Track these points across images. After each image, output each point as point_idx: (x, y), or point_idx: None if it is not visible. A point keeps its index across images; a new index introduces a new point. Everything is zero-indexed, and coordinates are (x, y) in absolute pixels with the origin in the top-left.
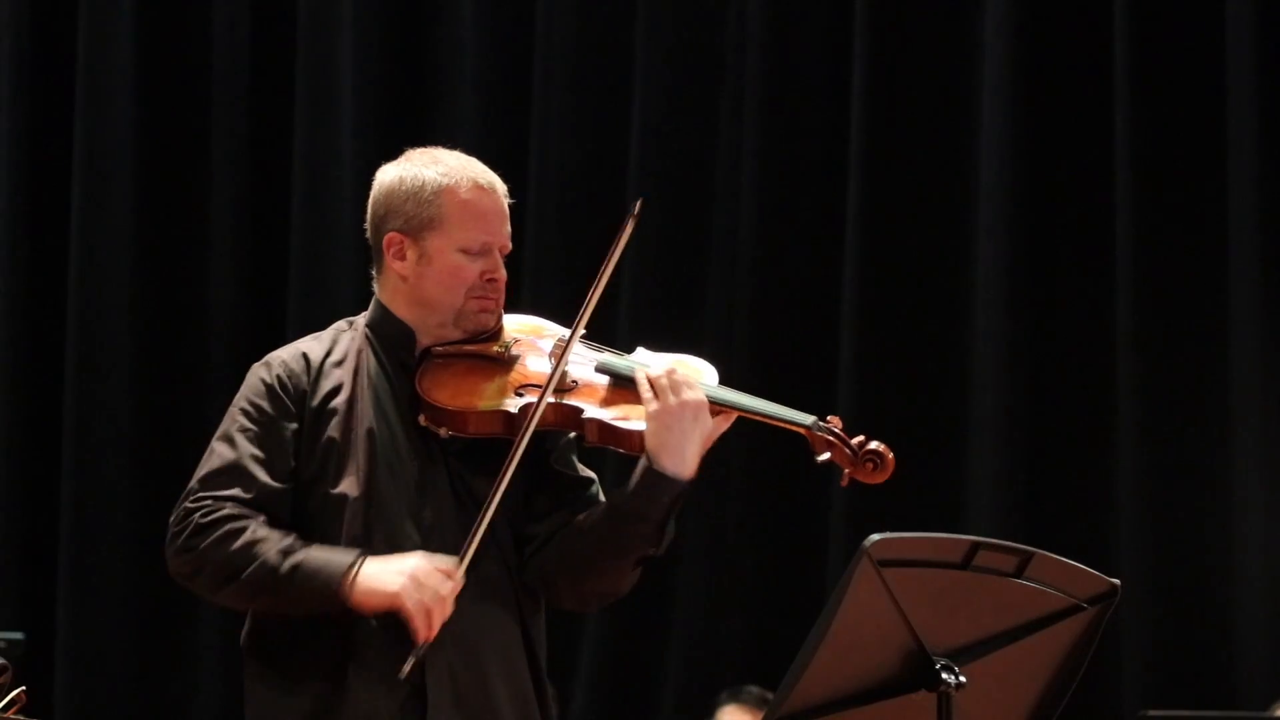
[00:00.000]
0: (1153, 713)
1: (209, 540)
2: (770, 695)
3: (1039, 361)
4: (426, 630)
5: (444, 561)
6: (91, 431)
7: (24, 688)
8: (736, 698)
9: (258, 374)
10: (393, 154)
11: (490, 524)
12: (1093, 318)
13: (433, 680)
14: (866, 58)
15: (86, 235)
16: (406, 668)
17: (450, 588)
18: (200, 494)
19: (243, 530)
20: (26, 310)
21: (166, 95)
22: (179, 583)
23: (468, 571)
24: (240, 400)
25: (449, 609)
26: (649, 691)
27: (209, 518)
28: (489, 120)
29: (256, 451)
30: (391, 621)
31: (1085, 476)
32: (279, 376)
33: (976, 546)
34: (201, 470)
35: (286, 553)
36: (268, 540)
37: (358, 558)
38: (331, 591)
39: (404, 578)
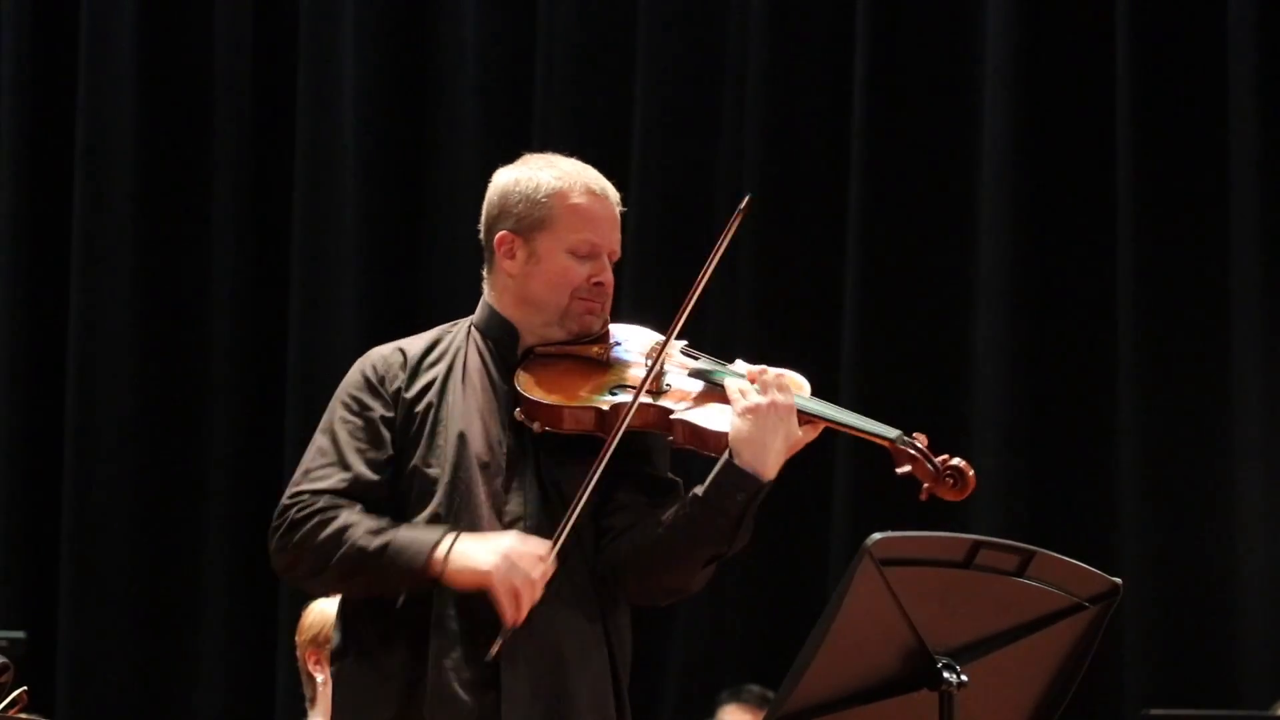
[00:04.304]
0: (1153, 712)
1: (302, 533)
2: (771, 694)
3: (1040, 360)
4: (514, 613)
5: (536, 544)
6: (92, 431)
7: (25, 687)
8: (737, 697)
9: (358, 368)
10: (394, 152)
11: (575, 521)
12: (1094, 316)
13: (508, 675)
14: (868, 56)
15: (88, 232)
16: (494, 650)
17: (541, 572)
18: (299, 488)
19: (334, 519)
20: (28, 308)
21: (168, 91)
22: (283, 577)
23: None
24: (341, 394)
25: (538, 593)
26: (650, 691)
27: (303, 512)
28: (489, 120)
29: (356, 442)
30: (470, 617)
31: (1087, 475)
32: (374, 367)
33: (978, 545)
34: (304, 464)
35: (376, 532)
36: (358, 524)
37: (446, 533)
38: (420, 565)
39: (497, 556)
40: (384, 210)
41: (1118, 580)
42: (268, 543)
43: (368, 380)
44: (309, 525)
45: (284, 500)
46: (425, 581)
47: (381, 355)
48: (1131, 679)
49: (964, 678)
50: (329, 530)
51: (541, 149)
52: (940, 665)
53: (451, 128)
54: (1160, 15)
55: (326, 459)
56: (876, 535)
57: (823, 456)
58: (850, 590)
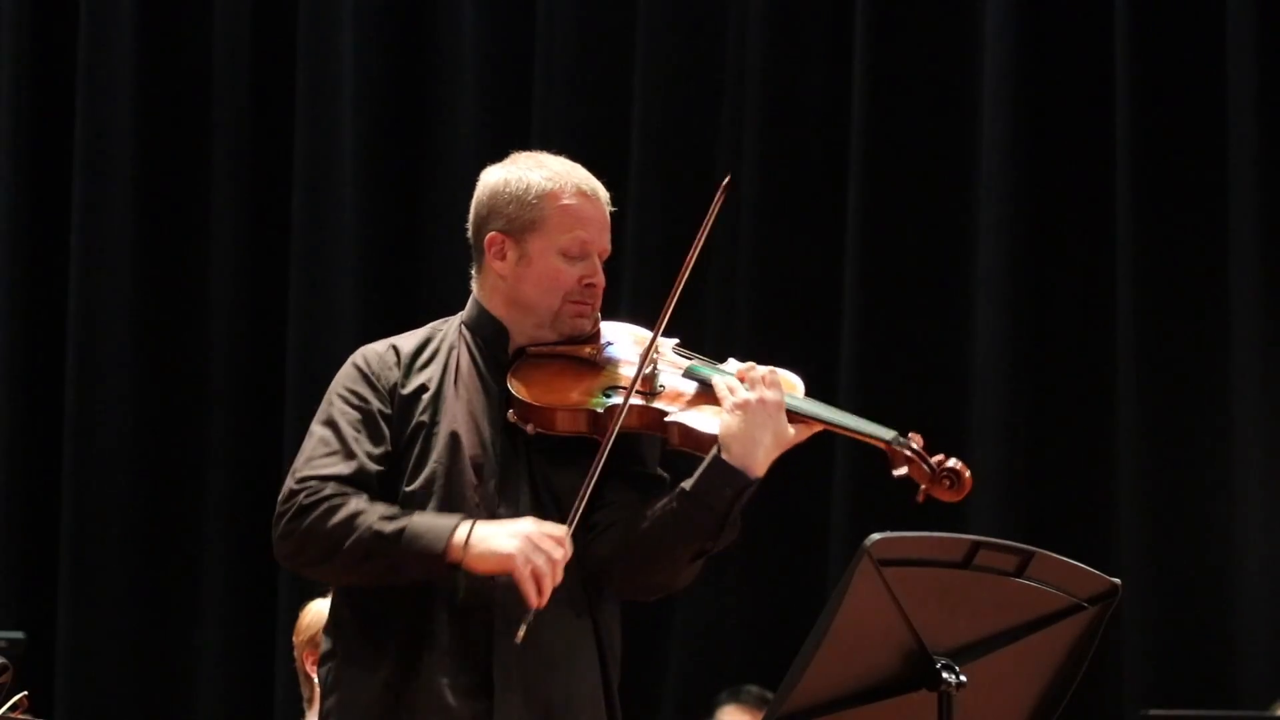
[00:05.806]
0: (1153, 712)
1: (311, 518)
2: (770, 695)
3: (1039, 361)
4: (537, 597)
5: (553, 528)
6: (92, 431)
7: (26, 692)
8: (736, 698)
9: (352, 362)
10: (393, 153)
11: (583, 509)
12: (1093, 316)
13: (501, 680)
14: (867, 57)
15: (87, 234)
16: (520, 633)
17: (561, 554)
18: (305, 474)
19: (343, 505)
20: (27, 310)
21: (167, 94)
22: (285, 565)
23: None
24: (336, 387)
25: (559, 575)
26: (649, 691)
27: (312, 498)
28: (489, 120)
29: (355, 433)
30: (462, 630)
31: (1086, 476)
32: (369, 363)
33: (977, 546)
34: (303, 454)
35: (390, 518)
36: (371, 510)
37: (461, 520)
38: (440, 550)
39: (518, 540)
40: (383, 211)
41: (1117, 580)
42: (271, 530)
43: (364, 374)
44: (319, 510)
45: (289, 486)
46: (442, 568)
47: (375, 352)
48: (1131, 679)
49: (963, 678)
50: (340, 516)
51: (542, 149)
52: (939, 666)
53: (451, 128)
54: (1159, 14)
55: (329, 447)
56: (876, 535)
57: (823, 456)
58: (849, 590)
